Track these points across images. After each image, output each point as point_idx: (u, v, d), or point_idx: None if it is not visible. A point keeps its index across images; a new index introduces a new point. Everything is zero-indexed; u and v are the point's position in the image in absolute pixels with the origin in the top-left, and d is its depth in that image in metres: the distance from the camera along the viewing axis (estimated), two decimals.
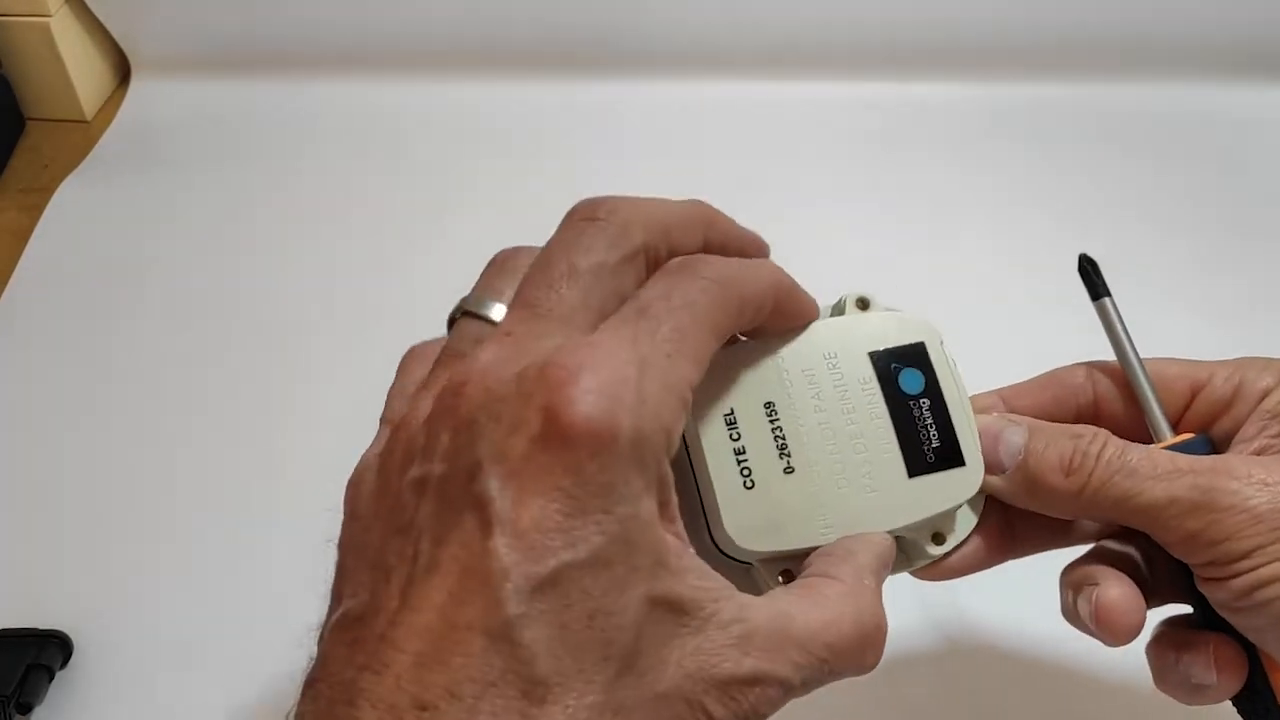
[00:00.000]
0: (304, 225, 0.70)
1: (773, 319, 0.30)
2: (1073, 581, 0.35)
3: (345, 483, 0.27)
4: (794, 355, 0.31)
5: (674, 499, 0.25)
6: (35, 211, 0.71)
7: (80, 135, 0.78)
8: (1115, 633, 0.34)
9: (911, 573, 0.36)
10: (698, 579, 0.25)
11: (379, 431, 0.29)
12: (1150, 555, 0.36)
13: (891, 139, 0.75)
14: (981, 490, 0.33)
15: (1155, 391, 0.36)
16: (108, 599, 0.50)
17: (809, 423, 0.30)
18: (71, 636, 0.47)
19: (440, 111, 0.78)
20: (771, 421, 0.30)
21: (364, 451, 0.28)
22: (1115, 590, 0.34)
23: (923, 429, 0.31)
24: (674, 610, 0.24)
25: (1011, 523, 0.37)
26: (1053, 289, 0.63)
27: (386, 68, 0.80)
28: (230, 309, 0.64)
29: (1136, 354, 0.36)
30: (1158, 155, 0.73)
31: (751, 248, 0.31)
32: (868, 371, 0.31)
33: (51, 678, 0.46)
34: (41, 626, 0.47)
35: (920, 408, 0.32)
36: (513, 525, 0.22)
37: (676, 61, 0.79)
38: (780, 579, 0.30)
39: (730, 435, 0.30)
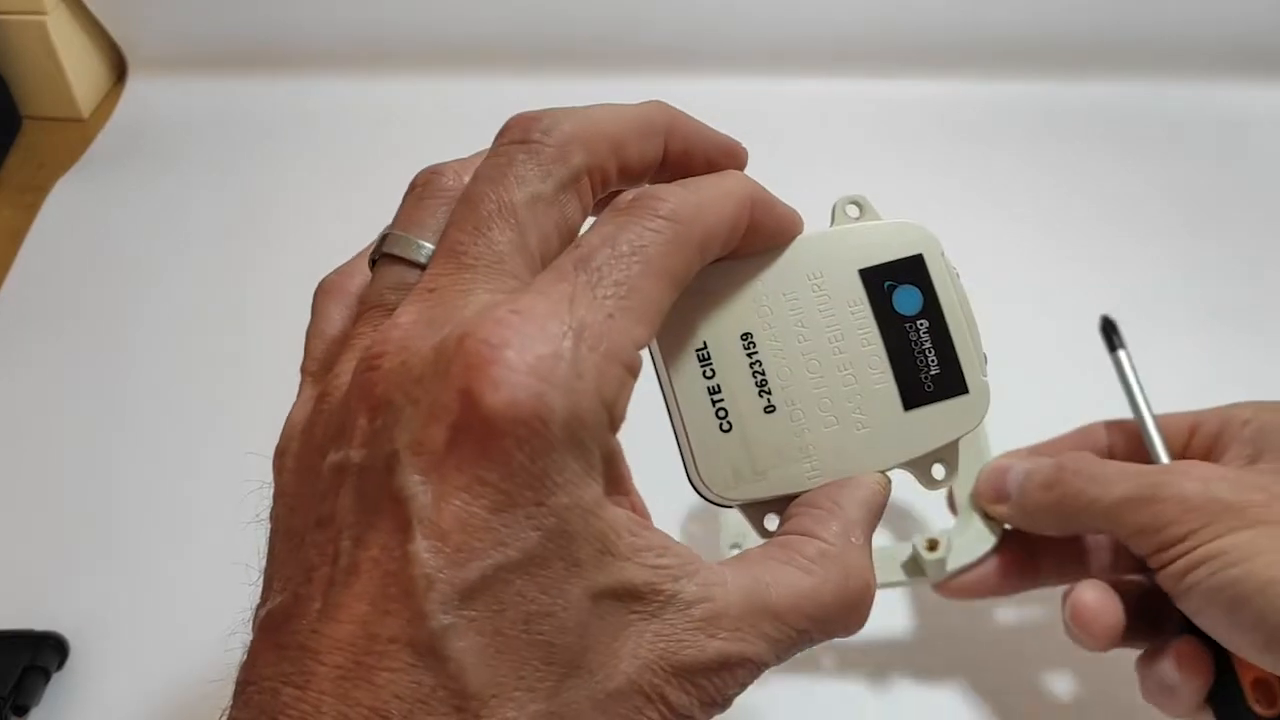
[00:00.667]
0: (302, 224, 0.70)
1: (747, 241, 0.27)
2: (1065, 596, 0.39)
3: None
4: (775, 277, 0.27)
5: (625, 470, 0.23)
6: (31, 210, 0.70)
7: (76, 134, 0.77)
8: (1091, 632, 0.37)
9: (933, 587, 0.39)
10: (656, 557, 0.22)
11: (301, 386, 0.28)
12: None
13: (890, 137, 0.75)
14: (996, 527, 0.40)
15: (1158, 426, 0.40)
16: (104, 601, 0.50)
17: (791, 354, 0.27)
18: (68, 638, 0.47)
19: (439, 110, 0.78)
20: (749, 355, 0.27)
21: (289, 411, 0.26)
22: (1090, 593, 0.37)
23: (920, 355, 0.28)
24: (624, 598, 0.22)
25: (1034, 552, 0.40)
26: (1052, 287, 0.63)
27: (384, 66, 0.79)
28: (228, 308, 0.64)
29: (1144, 393, 0.41)
30: (1158, 155, 0.73)
31: (723, 156, 0.28)
32: (858, 292, 0.28)
33: (48, 679, 0.46)
34: (38, 628, 0.47)
35: (918, 330, 0.28)
36: (434, 526, 0.20)
37: (677, 62, 0.78)
38: (768, 523, 0.27)
39: (704, 372, 0.27)
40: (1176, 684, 0.35)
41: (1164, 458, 0.39)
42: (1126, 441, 0.42)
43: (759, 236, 0.27)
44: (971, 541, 0.42)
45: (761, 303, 0.27)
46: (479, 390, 0.20)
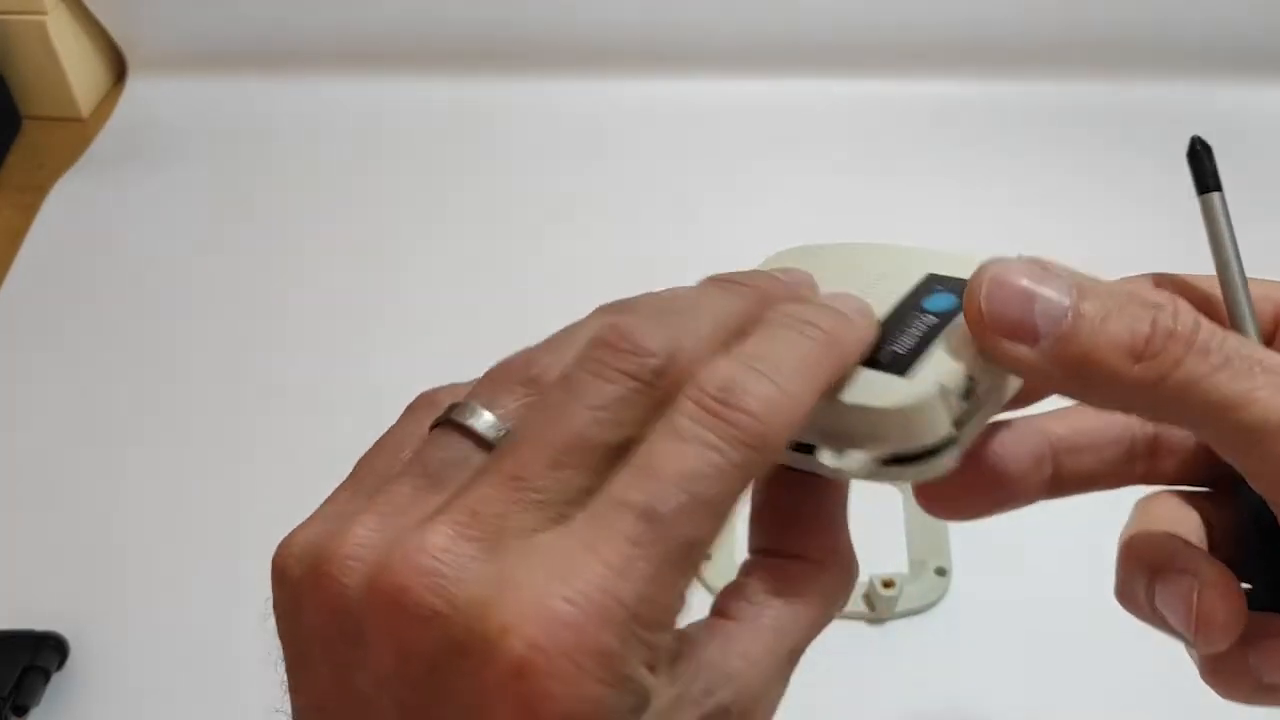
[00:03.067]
0: (300, 223, 0.70)
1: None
2: (1149, 562, 0.28)
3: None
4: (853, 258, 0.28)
5: (683, 654, 0.22)
6: (31, 210, 0.70)
7: (76, 133, 0.77)
8: (1215, 639, 0.26)
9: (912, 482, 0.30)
10: (689, 682, 0.21)
11: (346, 484, 0.25)
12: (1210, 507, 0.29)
13: (889, 137, 0.75)
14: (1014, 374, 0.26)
15: (1251, 303, 0.29)
16: (104, 601, 0.50)
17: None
18: (68, 638, 0.47)
19: (439, 111, 0.78)
20: None
21: (319, 511, 0.24)
22: (1219, 589, 0.26)
23: (900, 333, 0.26)
24: None
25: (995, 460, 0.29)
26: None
27: (383, 67, 0.79)
28: (226, 307, 0.64)
29: (1239, 259, 0.30)
30: (1157, 155, 0.73)
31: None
32: (909, 283, 0.27)
33: (48, 680, 0.46)
34: (38, 628, 0.47)
35: (921, 322, 0.26)
36: None
37: (677, 62, 0.78)
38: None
39: None
40: None
41: (1255, 337, 0.28)
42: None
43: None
44: (923, 591, 0.49)
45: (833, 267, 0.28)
46: (531, 702, 0.19)
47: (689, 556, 0.20)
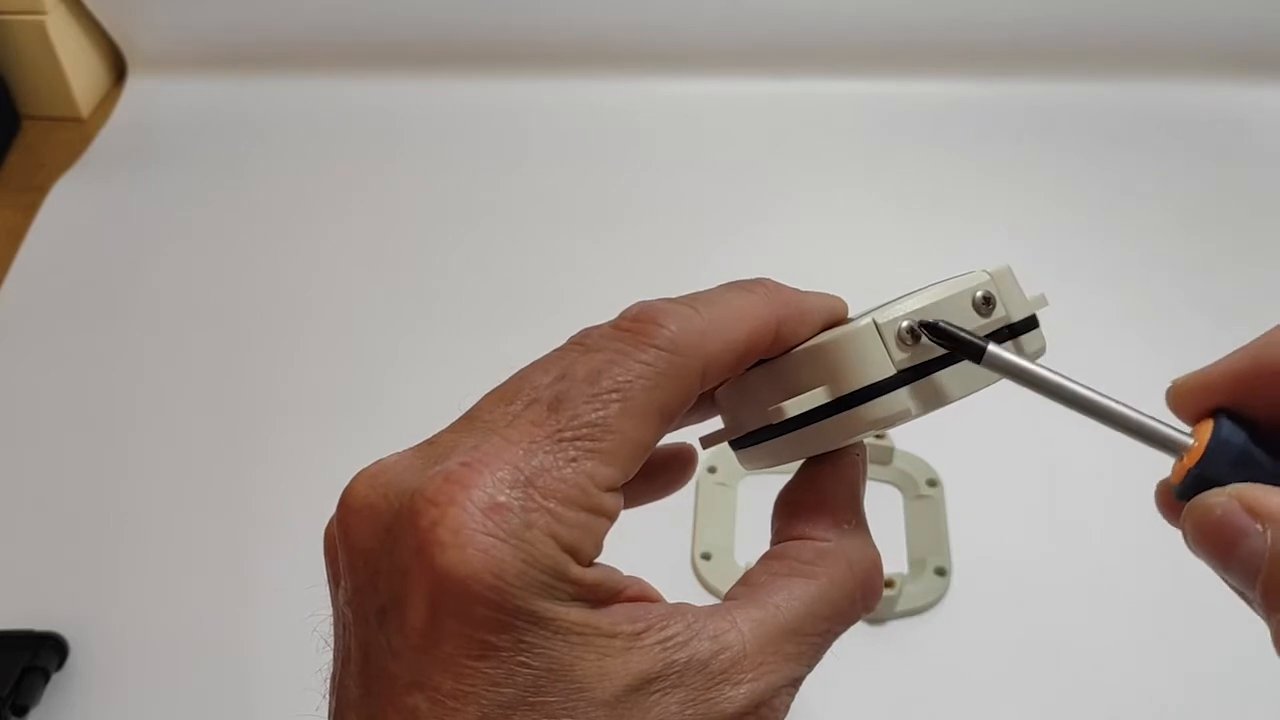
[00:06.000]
0: (300, 223, 0.70)
1: (779, 348, 0.25)
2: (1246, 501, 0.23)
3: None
4: None
5: (611, 577, 0.23)
6: (30, 210, 0.70)
7: (76, 133, 0.77)
8: None
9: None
10: (659, 632, 0.22)
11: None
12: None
13: (890, 137, 0.75)
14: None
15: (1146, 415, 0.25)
16: (104, 601, 0.50)
17: None
18: (67, 639, 0.47)
19: (437, 109, 0.78)
20: None
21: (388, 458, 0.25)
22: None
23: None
24: (640, 688, 0.22)
25: None
26: (1050, 286, 0.63)
27: (382, 66, 0.79)
28: (226, 307, 0.64)
29: (1082, 385, 0.25)
30: (1157, 155, 0.73)
31: (825, 322, 0.26)
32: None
33: (47, 680, 0.46)
34: (38, 628, 0.47)
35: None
36: (426, 680, 0.21)
37: (677, 62, 0.78)
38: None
39: None
40: None
41: (1183, 439, 0.24)
42: None
43: (792, 343, 0.26)
44: (923, 590, 0.48)
45: None
46: (429, 552, 0.21)
47: (593, 436, 0.22)
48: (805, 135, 0.75)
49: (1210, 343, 0.69)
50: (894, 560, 0.50)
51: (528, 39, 0.79)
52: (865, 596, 0.25)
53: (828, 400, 0.24)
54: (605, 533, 0.22)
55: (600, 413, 0.22)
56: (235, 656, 0.47)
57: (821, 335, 0.25)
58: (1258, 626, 0.23)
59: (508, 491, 0.21)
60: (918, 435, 0.53)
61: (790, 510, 0.27)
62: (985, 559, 0.50)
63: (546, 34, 0.78)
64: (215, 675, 0.47)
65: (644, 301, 0.24)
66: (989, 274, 0.26)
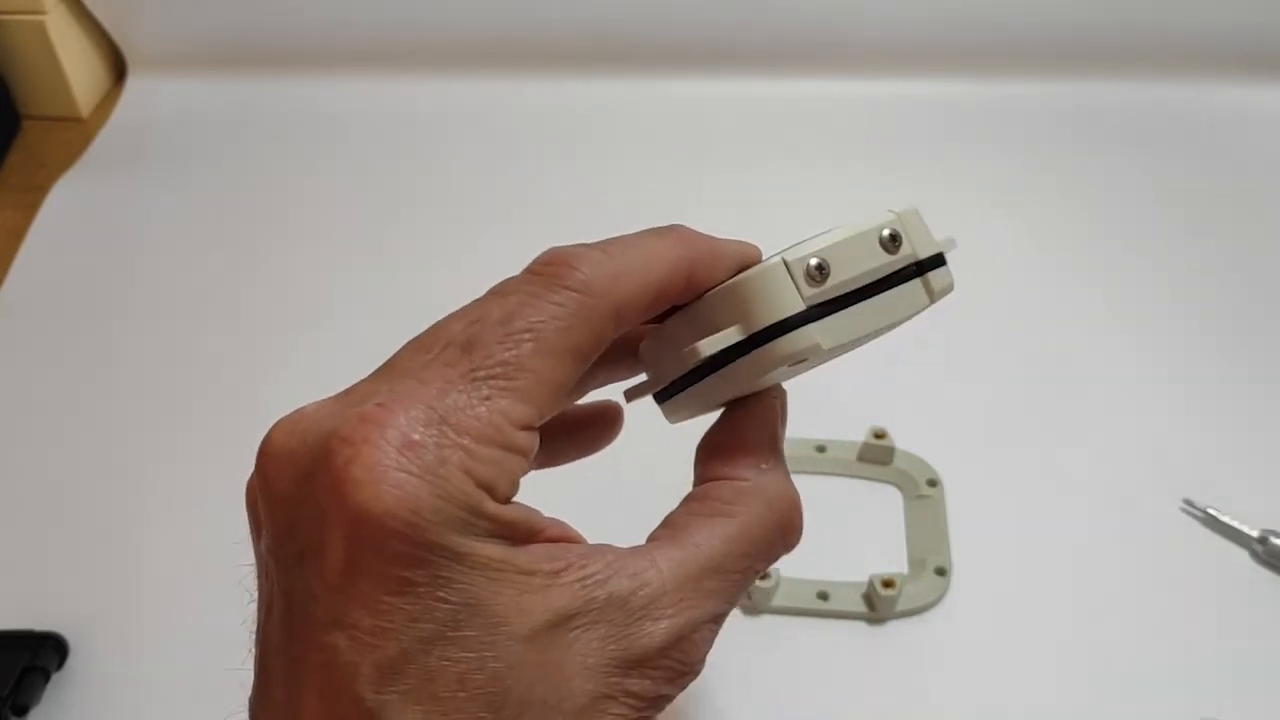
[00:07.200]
0: (300, 223, 0.70)
1: (692, 292, 0.26)
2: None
3: None
4: None
5: (530, 516, 0.23)
6: (31, 210, 0.70)
7: (76, 133, 0.77)
8: None
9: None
10: (579, 570, 0.23)
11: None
12: None
13: (890, 137, 0.75)
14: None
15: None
16: (104, 601, 0.50)
17: None
18: (68, 638, 0.47)
19: (439, 110, 0.78)
20: None
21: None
22: None
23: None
24: (560, 624, 0.22)
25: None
26: (1050, 285, 0.64)
27: (383, 66, 0.80)
28: (226, 307, 0.64)
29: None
30: (1157, 155, 0.73)
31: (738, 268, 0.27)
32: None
33: (47, 680, 0.46)
34: (38, 628, 0.47)
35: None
36: (345, 618, 0.21)
37: (677, 62, 0.78)
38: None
39: None
40: None
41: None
42: None
43: (707, 287, 0.26)
44: (923, 590, 0.48)
45: None
46: (344, 490, 0.21)
47: (507, 375, 0.22)
48: (805, 135, 0.75)
49: (1210, 344, 0.69)
50: (894, 560, 0.50)
51: (528, 39, 0.79)
52: (785, 534, 0.26)
53: (741, 338, 0.25)
54: (522, 471, 0.23)
55: (513, 352, 0.23)
56: (236, 656, 0.47)
57: (734, 277, 0.26)
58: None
59: (422, 429, 0.21)
60: (918, 435, 0.53)
61: (710, 453, 0.27)
62: (985, 559, 0.50)
63: (550, 34, 0.78)
64: (216, 675, 0.47)
65: (556, 246, 0.25)
66: (895, 213, 0.28)
